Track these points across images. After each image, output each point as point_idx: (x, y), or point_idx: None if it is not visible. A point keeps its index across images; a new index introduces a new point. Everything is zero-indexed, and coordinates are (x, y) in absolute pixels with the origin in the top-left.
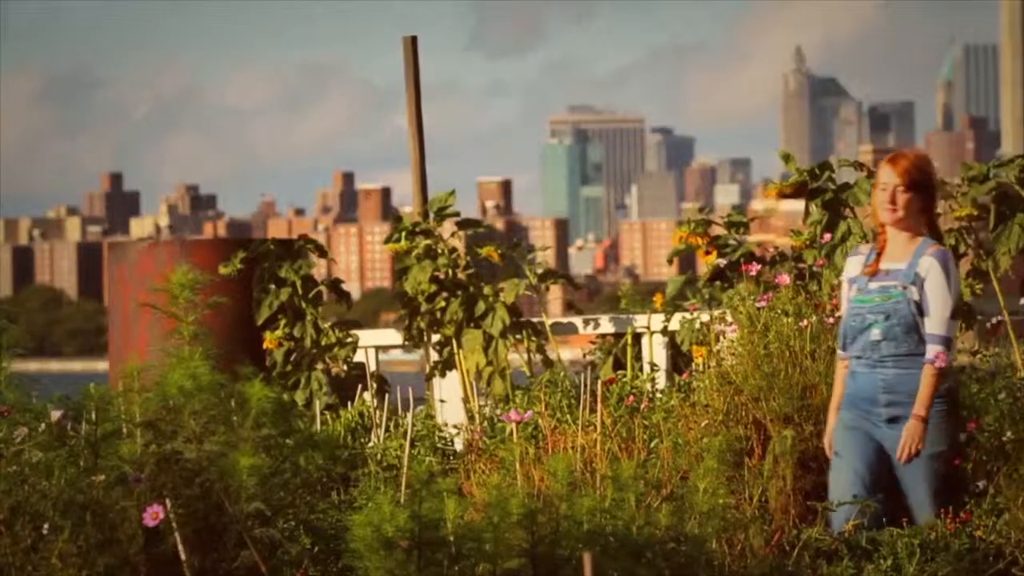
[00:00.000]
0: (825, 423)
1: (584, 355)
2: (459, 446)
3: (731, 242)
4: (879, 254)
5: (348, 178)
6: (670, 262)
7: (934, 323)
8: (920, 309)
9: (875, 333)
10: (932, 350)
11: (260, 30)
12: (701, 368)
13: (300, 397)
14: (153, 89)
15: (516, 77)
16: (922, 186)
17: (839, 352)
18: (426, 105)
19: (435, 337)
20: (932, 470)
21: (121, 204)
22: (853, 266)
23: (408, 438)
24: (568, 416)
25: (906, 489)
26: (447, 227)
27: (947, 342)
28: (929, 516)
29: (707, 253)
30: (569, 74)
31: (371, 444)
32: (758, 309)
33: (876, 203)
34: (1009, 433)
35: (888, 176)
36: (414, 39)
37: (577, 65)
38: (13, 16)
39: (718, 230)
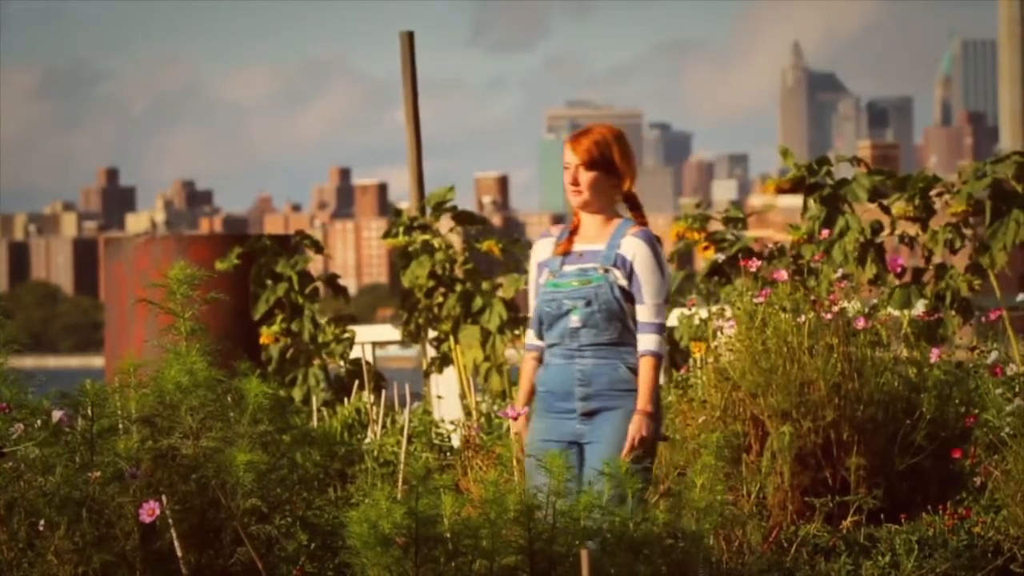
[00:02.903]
0: (822, 420)
1: None
2: (456, 442)
3: (728, 237)
4: (572, 234)
5: (345, 174)
6: (669, 261)
7: (648, 311)
8: (624, 294)
9: (574, 320)
10: (649, 340)
11: (259, 26)
12: (699, 364)
13: (297, 393)
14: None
15: (515, 73)
16: (606, 164)
17: (529, 342)
18: (427, 101)
19: (432, 333)
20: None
21: (117, 200)
22: (543, 249)
23: (405, 434)
24: None
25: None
26: (445, 223)
27: (661, 329)
28: (623, 511)
29: (705, 248)
30: (568, 70)
31: (368, 440)
32: (756, 305)
33: (565, 185)
34: (1007, 429)
35: (569, 156)
36: (411, 34)
37: (576, 61)
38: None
39: (715, 226)
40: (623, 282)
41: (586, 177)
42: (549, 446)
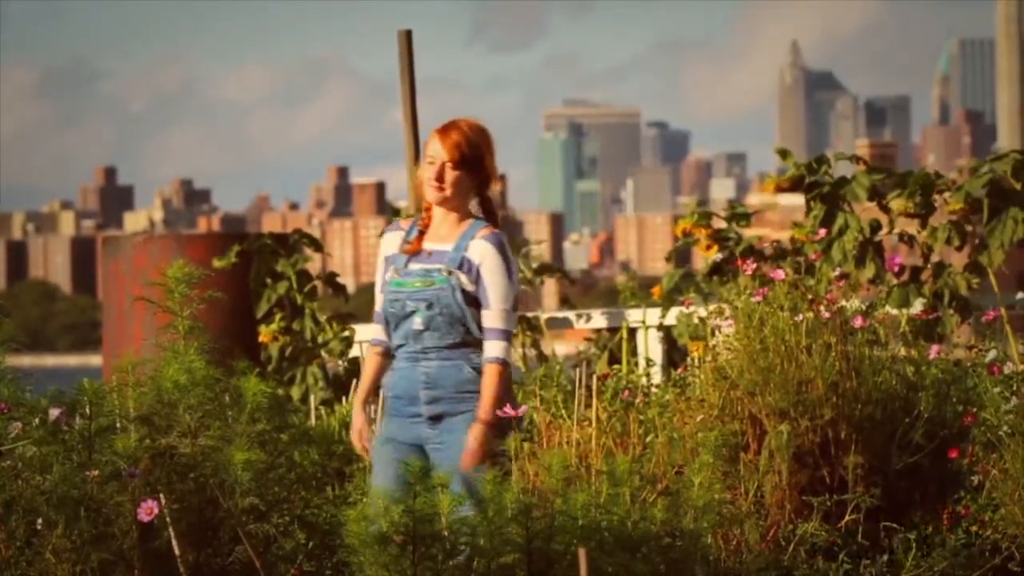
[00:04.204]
0: (820, 418)
1: (579, 352)
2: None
3: (732, 235)
4: (422, 232)
5: (343, 172)
6: (669, 259)
7: (494, 316)
8: (467, 298)
9: (417, 322)
10: (494, 346)
11: (258, 25)
12: (697, 363)
13: (296, 392)
14: (150, 83)
15: (514, 72)
16: (474, 163)
17: (373, 336)
18: (425, 100)
19: None
20: (473, 474)
21: (115, 198)
22: (391, 243)
23: None
24: (563, 411)
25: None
26: None
27: (508, 336)
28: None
29: (708, 247)
30: (567, 69)
31: None
32: (754, 304)
33: (423, 178)
34: (1005, 428)
35: (436, 150)
36: (409, 33)
37: (574, 60)
38: (11, 9)
39: (718, 223)
40: (468, 286)
41: (451, 175)
42: (395, 446)
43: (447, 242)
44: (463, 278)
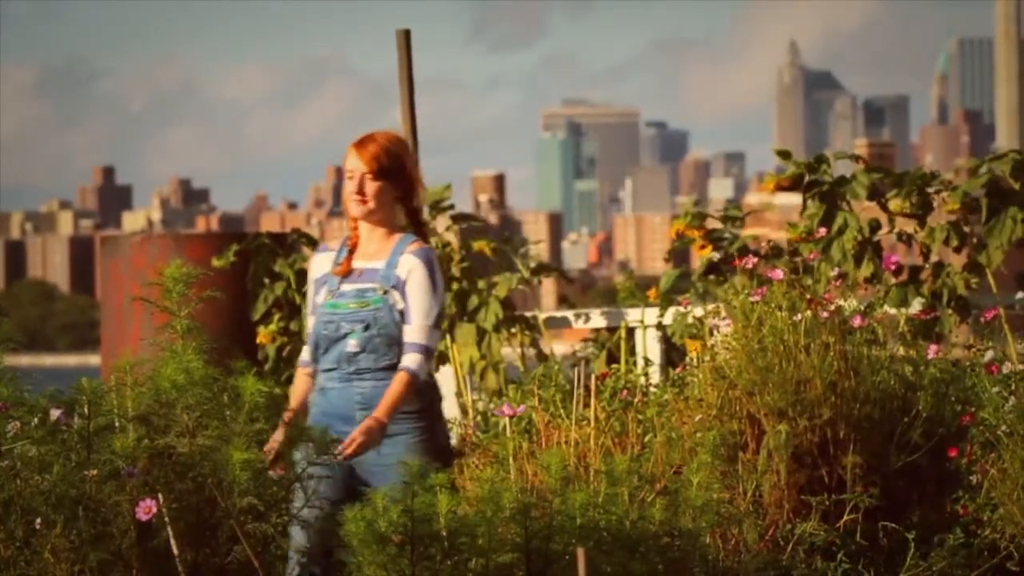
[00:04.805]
0: (818, 418)
1: (574, 352)
2: (453, 440)
3: (727, 235)
4: (351, 251)
5: (341, 172)
6: (667, 259)
7: (414, 331)
8: (403, 316)
9: (352, 344)
10: (410, 358)
11: (257, 24)
12: (695, 362)
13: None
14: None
15: (513, 71)
16: (395, 173)
17: (303, 360)
18: (424, 99)
19: None
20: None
21: (114, 198)
22: (320, 265)
23: None
24: (562, 411)
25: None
26: (441, 221)
27: (428, 352)
28: (299, 536)
29: (703, 247)
30: (566, 68)
31: None
32: (752, 303)
33: (345, 194)
34: (1004, 427)
35: (354, 163)
36: (407, 33)
37: (574, 60)
38: (10, 9)
39: (714, 223)
40: (402, 304)
41: (372, 187)
42: (327, 466)
43: (378, 259)
44: (397, 296)
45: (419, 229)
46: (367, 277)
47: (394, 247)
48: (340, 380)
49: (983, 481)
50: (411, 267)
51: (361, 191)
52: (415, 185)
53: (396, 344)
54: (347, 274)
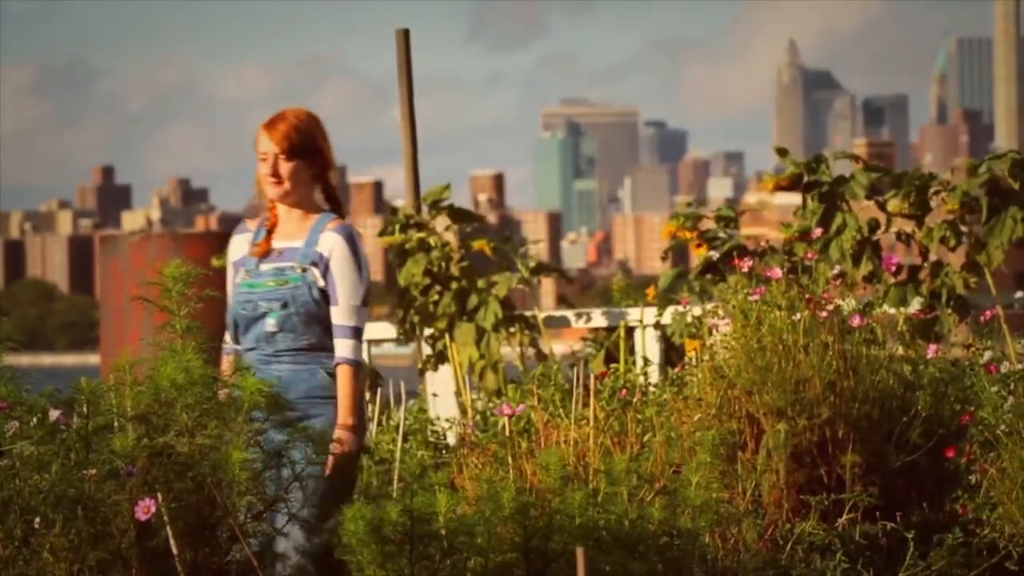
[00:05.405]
0: (818, 417)
1: (573, 351)
2: (452, 440)
3: (721, 235)
4: (270, 232)
5: (340, 171)
6: (664, 259)
7: (343, 313)
8: (324, 295)
9: (270, 323)
10: (344, 346)
11: (257, 24)
12: (694, 362)
13: None
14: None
15: (512, 71)
16: (309, 151)
17: (226, 346)
18: (423, 98)
19: (428, 331)
20: (315, 483)
21: (113, 197)
22: (238, 246)
23: (401, 432)
24: (561, 410)
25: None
26: (441, 220)
27: (358, 333)
28: (298, 535)
29: (698, 246)
30: (565, 68)
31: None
32: (751, 302)
33: (259, 176)
34: (1003, 427)
35: (266, 144)
36: (407, 32)
37: (573, 59)
38: (9, 8)
39: (709, 224)
40: (322, 282)
41: (287, 167)
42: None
43: (297, 238)
44: (317, 274)
45: (336, 206)
46: (286, 256)
47: (312, 225)
48: (260, 361)
49: (982, 480)
50: (332, 244)
51: (275, 172)
52: (330, 161)
53: (315, 323)
54: (266, 254)
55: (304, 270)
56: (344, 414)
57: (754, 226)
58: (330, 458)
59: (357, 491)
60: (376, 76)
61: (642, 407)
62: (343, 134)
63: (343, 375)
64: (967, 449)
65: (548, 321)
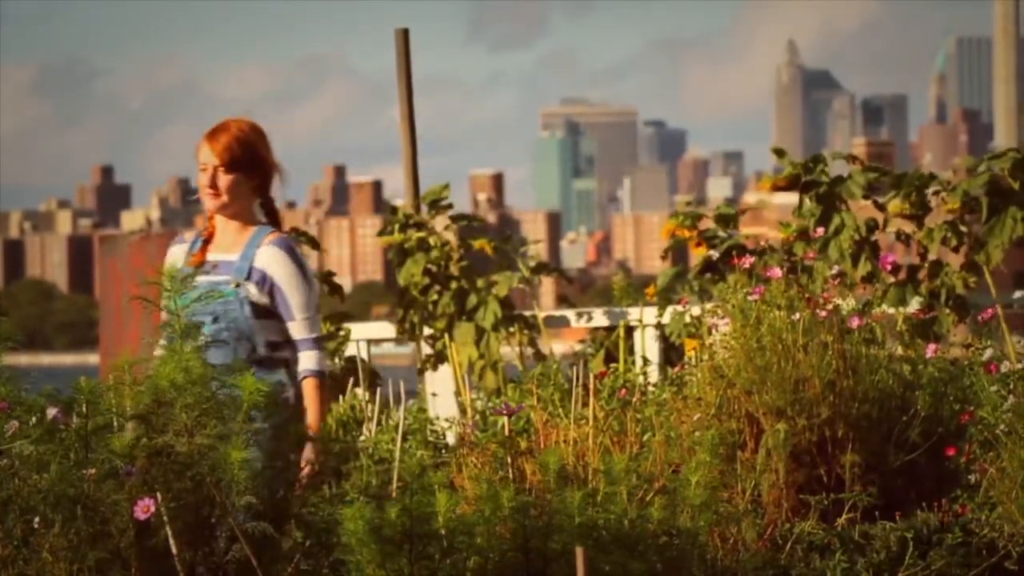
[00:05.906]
0: (817, 417)
1: (573, 351)
2: (451, 439)
3: (720, 235)
4: (206, 243)
5: (340, 171)
6: (664, 258)
7: (301, 327)
8: (257, 311)
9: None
10: (308, 358)
11: (256, 23)
12: (693, 361)
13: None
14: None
15: (512, 70)
16: (249, 164)
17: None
18: (423, 98)
19: (427, 331)
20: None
21: (112, 197)
22: (175, 257)
23: (400, 431)
24: (560, 410)
25: None
26: (440, 220)
27: (319, 343)
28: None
29: (697, 245)
30: (564, 68)
31: (363, 438)
32: (750, 302)
33: (199, 187)
34: (1002, 426)
35: (206, 155)
36: (406, 32)
37: (572, 59)
38: (9, 8)
39: (708, 223)
40: (259, 298)
41: (226, 180)
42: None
43: (232, 251)
44: (252, 289)
45: (274, 219)
46: (221, 269)
47: (249, 239)
48: None
49: (981, 480)
50: (274, 260)
51: (214, 184)
52: (271, 174)
53: (246, 339)
54: (201, 266)
55: (238, 285)
56: (314, 425)
57: (753, 226)
58: (308, 470)
59: (357, 491)
60: (376, 76)
61: (641, 407)
62: (343, 134)
63: (309, 388)
64: (966, 449)
65: (548, 321)
